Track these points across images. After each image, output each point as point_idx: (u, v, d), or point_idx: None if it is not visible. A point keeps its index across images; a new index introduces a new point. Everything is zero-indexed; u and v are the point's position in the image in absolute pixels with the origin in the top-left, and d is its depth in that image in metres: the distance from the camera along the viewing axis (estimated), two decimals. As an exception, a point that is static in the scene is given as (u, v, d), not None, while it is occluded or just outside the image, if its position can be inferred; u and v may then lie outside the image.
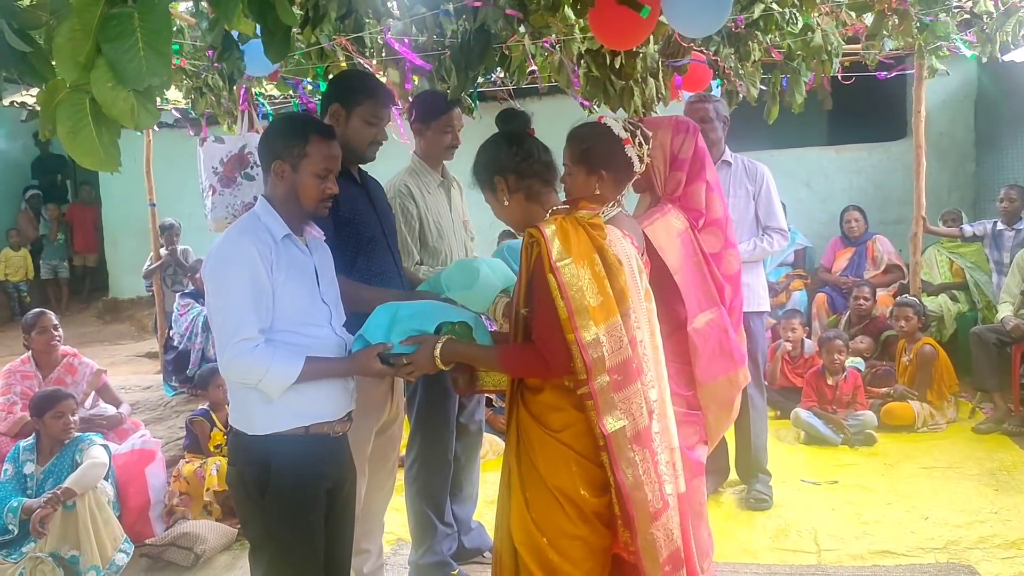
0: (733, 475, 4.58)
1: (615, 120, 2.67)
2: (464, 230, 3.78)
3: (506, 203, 2.43)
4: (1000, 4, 4.43)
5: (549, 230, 2.22)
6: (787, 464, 4.84)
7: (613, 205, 2.59)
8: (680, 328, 2.97)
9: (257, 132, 3.91)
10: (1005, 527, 3.92)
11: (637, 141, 2.62)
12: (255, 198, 3.81)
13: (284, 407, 2.34)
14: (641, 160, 2.63)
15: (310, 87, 5.39)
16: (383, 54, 4.62)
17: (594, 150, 2.58)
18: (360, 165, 3.06)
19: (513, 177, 2.41)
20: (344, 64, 4.22)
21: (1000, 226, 6.41)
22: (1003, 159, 8.08)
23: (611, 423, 2.19)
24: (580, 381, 2.21)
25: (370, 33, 3.87)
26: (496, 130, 2.53)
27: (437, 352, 2.38)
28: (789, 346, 6.11)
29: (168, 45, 1.57)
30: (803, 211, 8.49)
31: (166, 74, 1.56)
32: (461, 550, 3.75)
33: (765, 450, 4.50)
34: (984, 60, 5.21)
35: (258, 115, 4.00)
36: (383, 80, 4.75)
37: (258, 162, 3.79)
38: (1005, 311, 5.66)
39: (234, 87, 3.98)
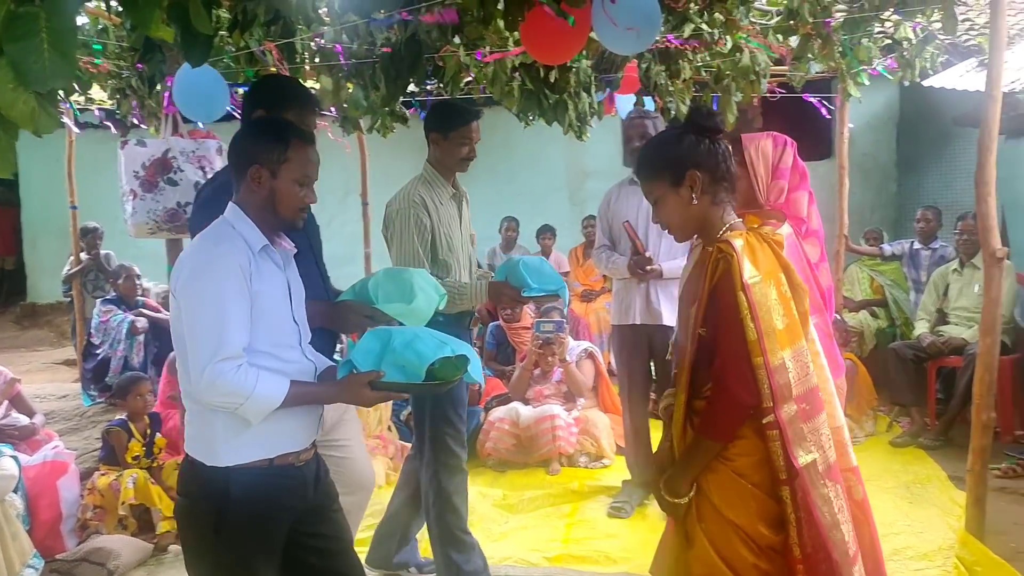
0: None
1: None
2: (471, 244, 3.68)
3: (695, 202, 2.18)
4: (919, 31, 4.60)
5: (739, 244, 2.07)
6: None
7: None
8: None
9: (181, 136, 3.82)
10: (918, 539, 4.03)
11: None
12: (178, 204, 3.74)
13: (252, 436, 2.15)
14: None
15: (242, 92, 5.31)
16: (316, 60, 4.59)
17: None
18: None
19: (708, 176, 2.18)
20: (274, 69, 4.16)
21: (917, 246, 6.64)
22: (923, 180, 8.39)
23: (802, 456, 2.04)
24: (766, 409, 2.05)
25: (301, 39, 3.83)
26: None
27: (664, 490, 2.19)
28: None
29: (73, 47, 1.51)
30: (733, 226, 8.66)
31: (70, 77, 1.50)
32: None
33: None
34: (906, 84, 5.40)
35: (183, 119, 3.90)
36: (316, 86, 4.71)
37: (182, 167, 3.73)
38: (922, 328, 5.86)
39: (155, 89, 3.88)
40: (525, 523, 4.39)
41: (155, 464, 4.58)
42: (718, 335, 2.08)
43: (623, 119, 4.73)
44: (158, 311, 6.77)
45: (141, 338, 6.56)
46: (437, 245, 3.40)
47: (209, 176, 3.81)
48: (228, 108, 5.42)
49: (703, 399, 2.16)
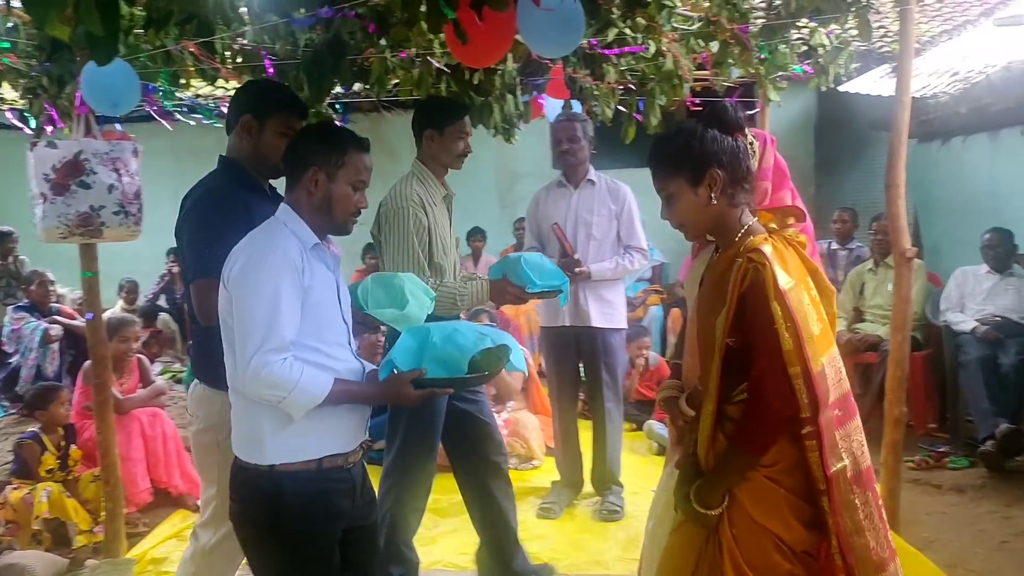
0: (588, 487, 4.66)
1: None
2: (455, 248, 3.60)
3: (713, 202, 2.08)
4: (833, 38, 4.74)
5: (768, 251, 1.98)
6: (640, 475, 4.96)
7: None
8: None
9: (95, 137, 3.69)
10: (837, 530, 4.15)
11: None
12: (91, 208, 3.60)
13: (299, 435, 2.16)
14: None
15: (160, 93, 5.17)
16: (237, 60, 4.49)
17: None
18: (271, 180, 2.86)
19: (728, 176, 2.08)
20: (192, 68, 4.06)
21: (835, 246, 6.84)
22: (841, 182, 8.65)
23: (834, 463, 2.00)
24: (805, 419, 1.98)
25: (221, 39, 3.74)
26: None
27: (692, 496, 2.10)
28: (642, 362, 6.28)
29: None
30: (661, 228, 8.66)
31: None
32: None
33: (619, 462, 4.60)
34: (823, 89, 5.56)
35: (98, 120, 3.76)
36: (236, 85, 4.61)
37: (95, 170, 3.60)
38: (839, 326, 6.03)
39: (64, 89, 3.74)
40: (455, 526, 4.37)
41: (70, 477, 4.44)
42: (753, 346, 2.00)
43: (552, 122, 4.75)
44: (73, 318, 6.56)
45: (55, 346, 6.34)
46: (433, 247, 3.33)
47: (124, 178, 3.69)
48: (147, 110, 5.30)
49: (735, 404, 2.10)
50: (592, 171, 4.53)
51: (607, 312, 4.44)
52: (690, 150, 2.09)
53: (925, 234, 7.42)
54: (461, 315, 3.45)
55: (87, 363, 4.32)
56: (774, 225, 2.15)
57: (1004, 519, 4.19)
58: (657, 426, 5.54)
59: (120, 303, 8.32)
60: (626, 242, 4.50)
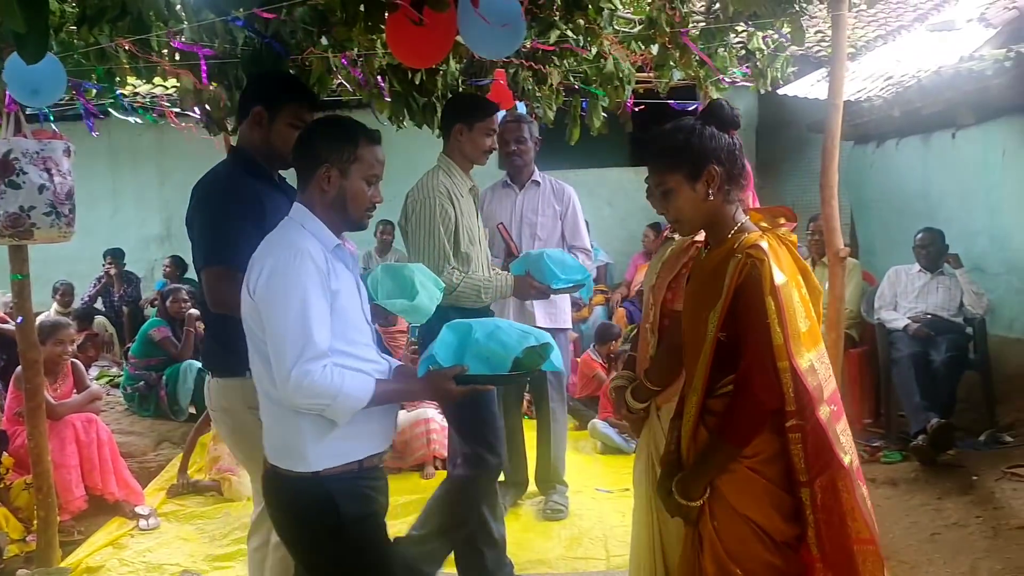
0: (532, 487, 4.68)
1: None
2: (483, 240, 3.63)
3: (710, 198, 2.11)
4: (770, 42, 4.83)
5: (766, 246, 2.03)
6: (584, 474, 5.01)
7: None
8: None
9: (24, 136, 3.59)
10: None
11: None
12: (21, 208, 3.50)
13: (340, 439, 2.14)
14: None
15: (93, 91, 5.04)
16: (175, 58, 4.40)
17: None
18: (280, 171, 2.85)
19: (724, 173, 2.10)
20: (127, 65, 3.97)
21: (776, 245, 6.96)
22: (781, 184, 8.82)
23: (844, 458, 2.03)
24: (789, 413, 2.03)
25: (156, 36, 3.66)
26: None
27: (676, 492, 2.14)
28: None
29: None
30: (605, 228, 8.87)
31: None
32: None
33: (563, 461, 4.64)
34: (762, 92, 5.67)
35: (26, 118, 3.66)
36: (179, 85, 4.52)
37: (25, 169, 3.50)
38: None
39: (-10, 86, 3.63)
40: (399, 529, 4.33)
41: (1, 485, 4.31)
42: (744, 339, 2.03)
43: (498, 123, 4.76)
44: (4, 321, 6.36)
45: (-15, 351, 6.15)
46: (460, 237, 3.37)
47: (56, 178, 3.60)
48: (79, 107, 5.17)
49: (718, 397, 2.13)
50: (537, 172, 4.57)
51: (551, 312, 4.47)
52: (690, 146, 2.11)
53: (860, 234, 7.61)
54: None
55: (18, 368, 4.20)
56: (764, 224, 2.18)
57: (935, 511, 4.31)
58: (601, 425, 5.59)
59: (55, 306, 8.11)
60: (570, 242, 4.53)
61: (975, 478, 4.59)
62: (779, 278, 1.99)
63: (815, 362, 2.03)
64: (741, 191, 2.17)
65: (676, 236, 2.67)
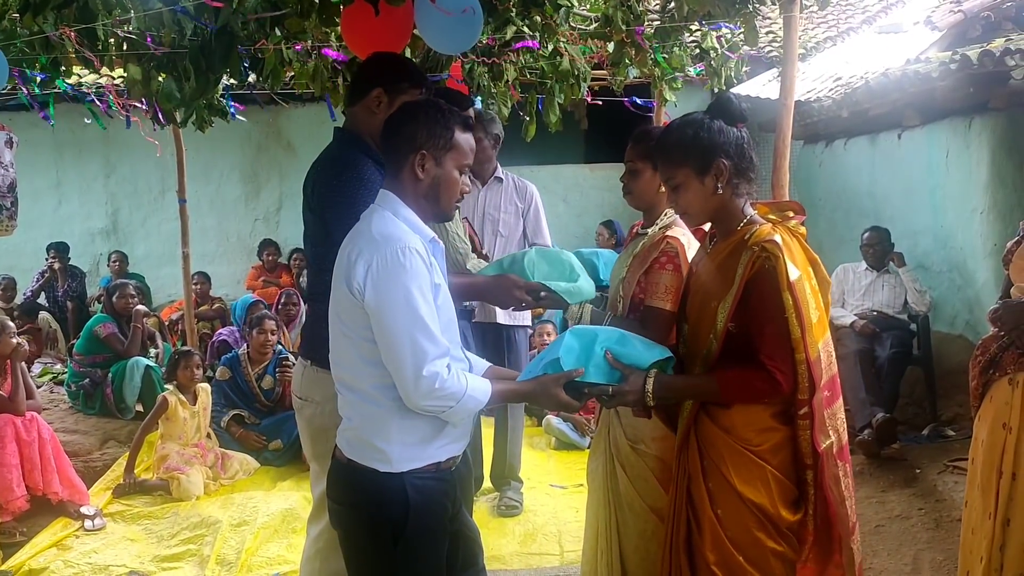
0: (487, 483, 4.68)
1: None
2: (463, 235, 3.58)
3: (719, 191, 2.13)
4: (724, 42, 4.89)
5: (779, 240, 2.05)
6: (538, 470, 5.02)
7: None
8: None
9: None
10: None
11: None
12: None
13: (426, 441, 2.08)
14: None
15: (39, 79, 4.91)
16: (123, 48, 4.31)
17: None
18: None
19: (733, 166, 2.12)
20: (73, 55, 3.87)
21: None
22: (733, 182, 8.93)
23: (823, 440, 2.10)
24: (801, 400, 2.08)
25: (102, 25, 3.58)
26: None
27: (650, 387, 2.11)
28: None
29: None
30: (560, 225, 8.89)
31: None
32: None
33: (519, 458, 4.64)
34: (716, 91, 5.73)
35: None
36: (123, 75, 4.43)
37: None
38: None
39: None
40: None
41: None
42: (761, 330, 2.06)
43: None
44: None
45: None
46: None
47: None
48: (22, 97, 5.03)
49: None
50: (500, 169, 4.55)
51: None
52: (698, 140, 2.12)
53: (809, 232, 7.74)
54: None
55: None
56: (773, 216, 2.20)
57: (879, 504, 4.42)
58: (555, 421, 5.60)
59: (-4, 301, 7.89)
60: (532, 240, 4.54)
61: (918, 471, 4.71)
62: (794, 273, 2.03)
63: (821, 351, 2.09)
64: (750, 185, 2.18)
65: (648, 231, 2.68)
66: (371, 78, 2.68)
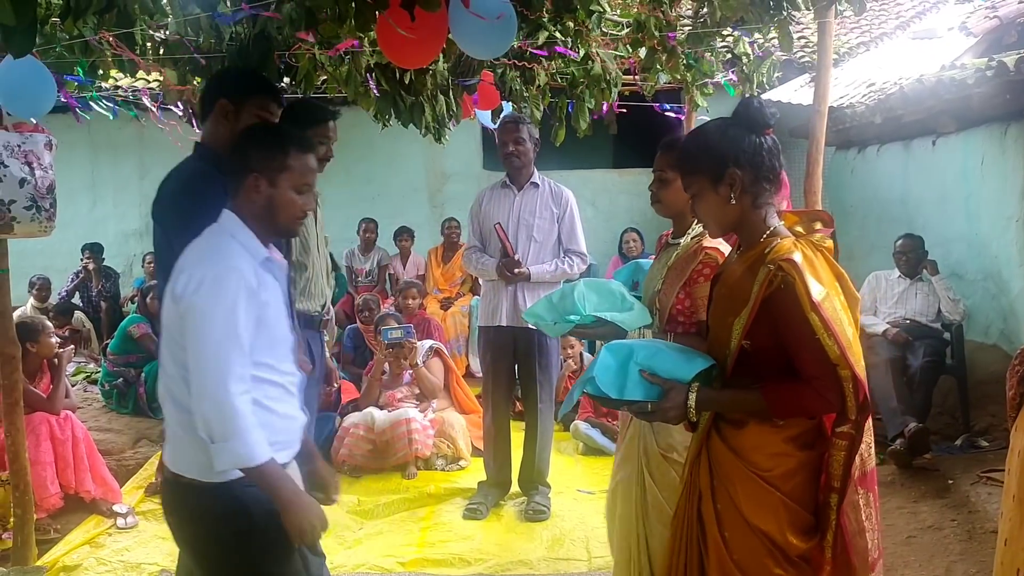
0: (515, 487, 4.69)
1: None
2: (325, 246, 3.61)
3: (733, 202, 2.04)
4: (757, 48, 4.87)
5: (798, 259, 1.93)
6: (566, 475, 5.01)
7: None
8: None
9: (6, 129, 3.53)
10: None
11: None
12: (1, 202, 3.45)
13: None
14: None
15: (75, 84, 4.98)
16: (160, 52, 4.37)
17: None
18: None
19: (750, 175, 2.02)
20: (111, 59, 3.93)
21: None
22: (763, 188, 8.87)
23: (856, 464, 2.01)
24: (848, 420, 1.98)
25: (141, 30, 3.63)
26: None
27: (692, 402, 2.04)
28: (572, 363, 6.30)
29: None
30: (588, 230, 8.74)
31: None
32: None
33: (548, 463, 4.64)
34: (747, 96, 5.70)
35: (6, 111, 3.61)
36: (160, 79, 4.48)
37: (6, 163, 3.46)
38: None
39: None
40: (380, 528, 4.35)
41: (-24, 482, 4.24)
42: (799, 353, 1.97)
43: (497, 124, 4.75)
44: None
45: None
46: (292, 246, 3.28)
47: (37, 172, 3.55)
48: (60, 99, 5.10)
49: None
50: (536, 174, 4.57)
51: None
52: (709, 149, 2.06)
53: (841, 239, 7.67)
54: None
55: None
56: (800, 228, 2.11)
57: (911, 514, 4.36)
58: (583, 426, 5.60)
59: (31, 301, 8.01)
60: (566, 246, 4.56)
61: (951, 482, 4.64)
62: (817, 293, 1.91)
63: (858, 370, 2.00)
64: (774, 195, 2.08)
65: (679, 241, 2.67)
66: (215, 89, 2.74)
